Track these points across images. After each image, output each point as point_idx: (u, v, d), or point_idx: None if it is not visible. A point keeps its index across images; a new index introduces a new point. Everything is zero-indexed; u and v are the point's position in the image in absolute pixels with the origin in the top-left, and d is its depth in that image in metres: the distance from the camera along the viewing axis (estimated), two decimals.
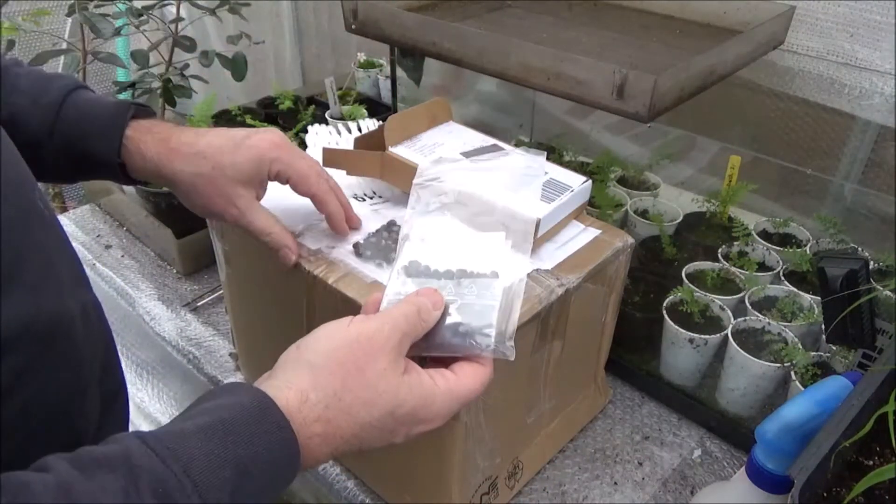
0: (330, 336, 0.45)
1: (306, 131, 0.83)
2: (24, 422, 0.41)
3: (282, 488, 0.41)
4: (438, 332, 0.49)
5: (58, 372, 0.44)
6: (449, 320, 0.49)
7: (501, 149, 0.78)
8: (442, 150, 0.72)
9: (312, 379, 0.43)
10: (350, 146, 0.78)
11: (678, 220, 1.02)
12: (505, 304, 0.51)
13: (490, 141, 0.79)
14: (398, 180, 0.72)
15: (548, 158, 0.78)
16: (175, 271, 1.12)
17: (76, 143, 0.59)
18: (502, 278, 0.53)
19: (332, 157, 0.72)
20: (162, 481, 0.34)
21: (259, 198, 0.63)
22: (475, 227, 0.59)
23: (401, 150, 0.71)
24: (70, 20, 1.41)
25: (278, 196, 0.75)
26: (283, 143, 0.61)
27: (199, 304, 1.05)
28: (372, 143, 0.73)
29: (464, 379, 0.47)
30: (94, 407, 0.50)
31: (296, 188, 0.62)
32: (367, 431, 0.44)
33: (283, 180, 0.62)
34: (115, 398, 0.54)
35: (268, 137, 0.61)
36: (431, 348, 0.49)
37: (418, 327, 0.47)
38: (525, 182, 0.67)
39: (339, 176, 0.76)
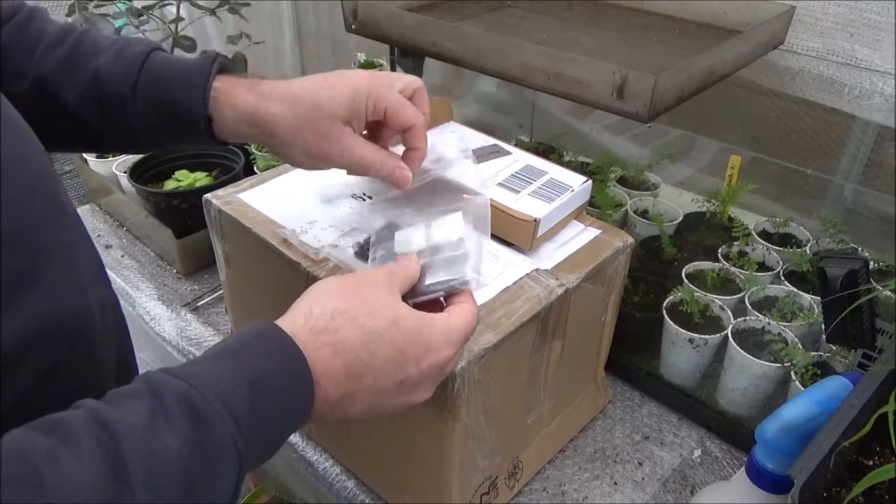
0: (318, 283, 0.48)
1: None
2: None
3: (300, 407, 0.41)
4: (419, 285, 0.51)
5: (79, 369, 0.45)
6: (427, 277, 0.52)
7: (501, 149, 0.78)
8: (442, 148, 0.72)
9: (314, 301, 0.45)
10: None
11: (678, 220, 1.02)
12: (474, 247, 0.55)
13: (490, 141, 0.79)
14: None
15: (548, 158, 0.78)
16: (175, 271, 1.12)
17: (160, 96, 0.57)
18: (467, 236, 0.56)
19: None
20: (183, 394, 0.36)
21: (360, 134, 0.60)
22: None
23: (401, 149, 0.71)
24: (70, 20, 1.40)
25: (278, 195, 0.75)
26: (376, 76, 0.59)
27: (199, 304, 1.05)
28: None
29: (456, 311, 0.49)
30: None
31: (392, 121, 0.59)
32: (375, 342, 0.44)
33: (380, 112, 0.58)
34: None
35: (361, 72, 0.59)
36: (417, 295, 0.51)
37: (400, 272, 0.49)
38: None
39: (340, 175, 0.76)
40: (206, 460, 0.35)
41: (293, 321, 0.43)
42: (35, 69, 0.56)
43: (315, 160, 0.58)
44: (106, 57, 0.57)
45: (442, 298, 0.52)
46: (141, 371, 0.58)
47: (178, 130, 0.58)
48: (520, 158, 0.76)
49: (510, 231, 0.68)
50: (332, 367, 0.42)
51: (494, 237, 0.69)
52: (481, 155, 0.77)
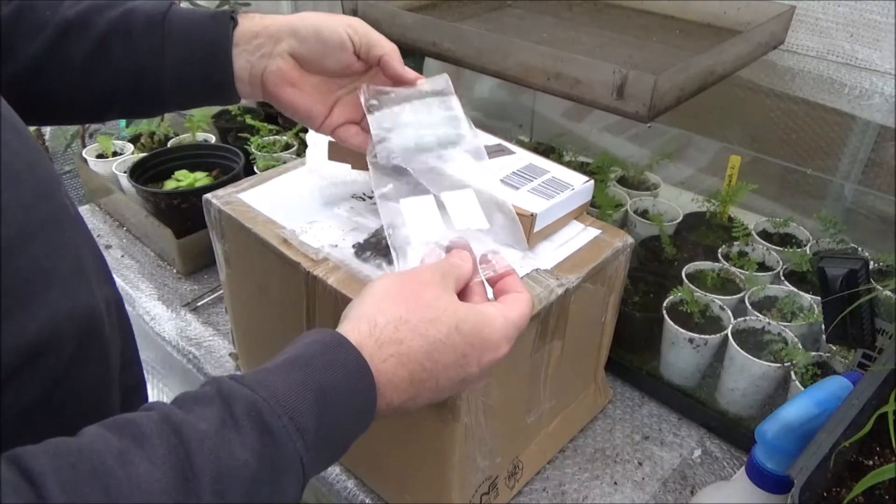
0: (376, 284, 0.48)
1: (306, 131, 0.83)
2: (58, 419, 0.42)
3: (364, 418, 0.42)
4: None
5: (91, 366, 0.45)
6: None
7: (505, 148, 0.78)
8: None
9: (375, 310, 0.45)
10: None
11: (678, 220, 1.02)
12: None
13: (494, 140, 0.79)
14: None
15: (548, 158, 0.78)
16: (175, 271, 1.12)
17: (190, 25, 0.59)
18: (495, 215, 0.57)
19: (337, 151, 0.72)
20: (253, 405, 0.37)
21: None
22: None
23: None
24: None
25: (278, 195, 0.75)
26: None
27: (199, 304, 1.05)
28: None
29: (511, 304, 0.49)
30: (116, 403, 0.50)
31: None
32: (439, 350, 0.44)
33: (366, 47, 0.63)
34: (133, 393, 0.54)
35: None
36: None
37: (455, 269, 0.50)
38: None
39: (340, 175, 0.76)
40: (271, 473, 0.36)
41: (358, 330, 0.43)
42: (61, 15, 0.57)
43: (339, 52, 0.61)
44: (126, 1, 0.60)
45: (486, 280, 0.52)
46: (143, 371, 0.58)
47: (203, 76, 0.60)
48: (523, 157, 0.76)
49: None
50: (396, 378, 0.43)
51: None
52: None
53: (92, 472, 0.31)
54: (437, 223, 0.59)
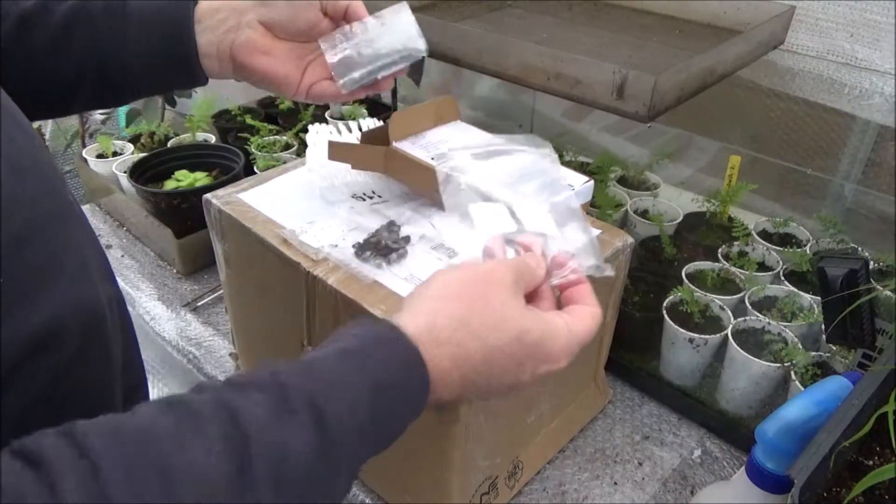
0: (445, 275, 0.46)
1: (306, 131, 0.83)
2: (61, 417, 0.42)
3: (413, 414, 0.41)
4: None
5: (94, 363, 0.45)
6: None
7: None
8: (447, 147, 0.72)
9: (438, 307, 0.43)
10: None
11: (678, 220, 1.02)
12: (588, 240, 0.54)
13: (495, 140, 0.79)
14: (401, 175, 0.72)
15: None
16: (175, 271, 1.12)
17: (148, 8, 0.58)
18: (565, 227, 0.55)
19: (337, 151, 0.72)
20: (311, 397, 0.36)
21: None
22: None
23: (405, 146, 0.71)
24: None
25: (278, 195, 0.75)
26: None
27: (199, 304, 1.05)
28: (378, 140, 0.73)
29: (579, 318, 0.48)
30: (118, 401, 0.50)
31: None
32: (496, 357, 0.43)
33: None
34: (134, 392, 0.54)
35: None
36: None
37: (528, 274, 0.48)
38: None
39: (340, 175, 0.76)
40: (327, 469, 0.36)
41: (416, 324, 0.42)
42: (21, 4, 0.56)
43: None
44: None
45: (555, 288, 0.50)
46: (144, 370, 0.58)
47: (165, 33, 0.59)
48: (523, 157, 0.76)
49: None
50: (449, 377, 0.42)
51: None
52: (485, 154, 0.77)
53: (150, 456, 0.31)
54: (509, 223, 0.58)
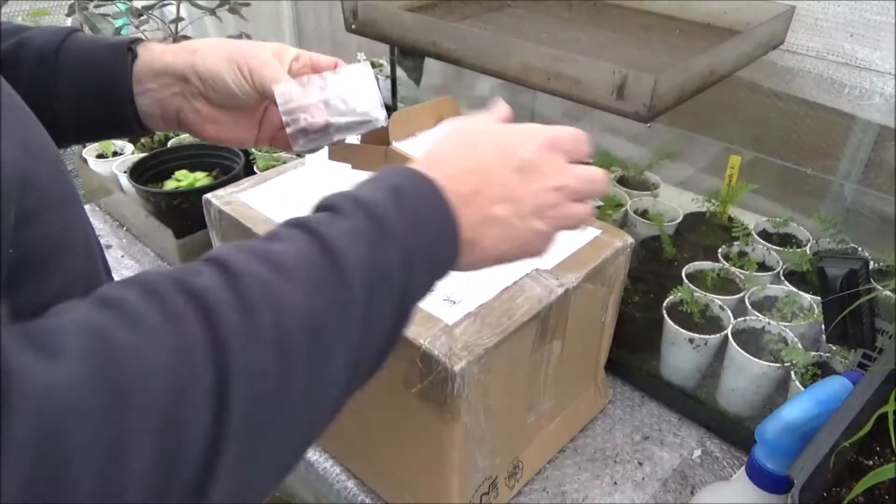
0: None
1: None
2: None
3: (444, 208, 0.43)
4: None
5: None
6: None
7: None
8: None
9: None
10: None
11: (678, 220, 1.02)
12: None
13: None
14: None
15: None
16: None
17: (84, 57, 0.56)
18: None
19: (337, 151, 0.72)
20: (356, 198, 0.40)
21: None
22: None
23: (405, 146, 0.71)
24: (70, 20, 1.41)
25: (278, 195, 0.75)
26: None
27: None
28: (378, 140, 0.73)
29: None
30: None
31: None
32: (474, 145, 0.47)
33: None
34: None
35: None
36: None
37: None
38: None
39: (341, 173, 0.76)
40: (379, 246, 0.39)
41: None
42: None
43: (252, 78, 0.56)
44: (30, 31, 0.57)
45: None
46: None
47: (99, 106, 0.57)
48: None
49: None
50: (445, 171, 0.44)
51: None
52: None
53: (253, 251, 0.35)
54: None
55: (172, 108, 0.57)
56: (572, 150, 0.49)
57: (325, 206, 0.41)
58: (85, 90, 0.56)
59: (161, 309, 0.30)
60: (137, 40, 0.58)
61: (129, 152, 1.29)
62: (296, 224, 0.39)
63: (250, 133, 0.61)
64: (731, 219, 1.00)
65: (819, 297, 0.71)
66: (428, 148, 0.48)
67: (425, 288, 0.43)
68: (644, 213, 1.05)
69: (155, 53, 0.57)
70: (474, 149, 0.47)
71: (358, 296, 0.37)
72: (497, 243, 0.46)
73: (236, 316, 0.31)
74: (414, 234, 0.41)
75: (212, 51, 0.56)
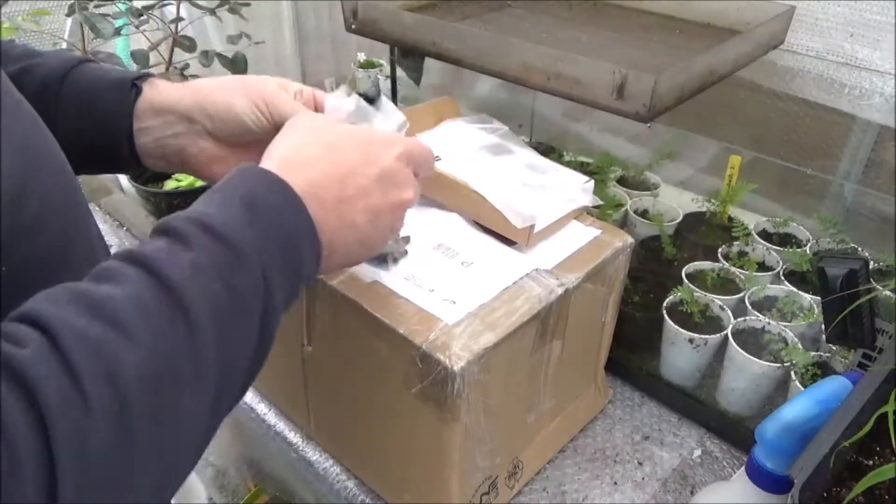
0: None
1: None
2: None
3: (302, 216, 0.42)
4: None
5: None
6: None
7: (506, 147, 0.78)
8: (447, 147, 0.72)
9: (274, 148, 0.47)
10: None
11: (678, 220, 1.02)
12: None
13: (495, 140, 0.79)
14: None
15: (548, 158, 0.78)
16: None
17: (88, 88, 0.55)
18: None
19: None
20: (196, 220, 0.38)
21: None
22: None
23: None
24: (70, 20, 1.40)
25: None
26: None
27: None
28: None
29: None
30: None
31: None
32: (338, 146, 0.46)
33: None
34: None
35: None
36: None
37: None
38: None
39: None
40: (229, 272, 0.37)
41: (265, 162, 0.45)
42: None
43: (251, 114, 0.55)
44: (42, 56, 0.56)
45: None
46: None
47: (96, 122, 0.55)
48: (523, 157, 0.76)
49: (507, 226, 0.68)
50: (309, 176, 0.43)
51: (492, 234, 0.70)
52: (487, 152, 0.77)
53: (82, 300, 0.32)
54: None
55: (174, 147, 0.56)
56: (423, 166, 0.50)
57: (164, 231, 0.38)
58: (83, 122, 0.54)
59: None
60: (145, 76, 0.56)
61: None
62: (130, 258, 0.35)
63: None
64: (731, 219, 1.00)
65: (819, 297, 0.71)
66: (284, 142, 0.46)
67: (288, 300, 0.41)
68: (644, 213, 1.04)
69: (158, 91, 0.55)
70: (338, 152, 0.45)
71: (207, 336, 0.34)
72: (353, 249, 0.46)
73: (62, 390, 0.28)
74: (271, 251, 0.39)
75: (219, 87, 0.55)
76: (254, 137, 0.55)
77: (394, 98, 1.28)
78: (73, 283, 0.33)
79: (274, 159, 0.44)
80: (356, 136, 0.47)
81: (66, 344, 0.29)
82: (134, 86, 0.55)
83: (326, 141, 0.46)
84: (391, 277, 0.63)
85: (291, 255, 0.40)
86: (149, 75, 0.57)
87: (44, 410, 0.27)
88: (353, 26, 0.95)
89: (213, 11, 1.16)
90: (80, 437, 0.28)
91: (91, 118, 0.54)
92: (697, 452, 0.82)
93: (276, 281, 0.39)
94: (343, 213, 0.44)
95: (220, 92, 0.55)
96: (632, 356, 0.90)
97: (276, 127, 0.53)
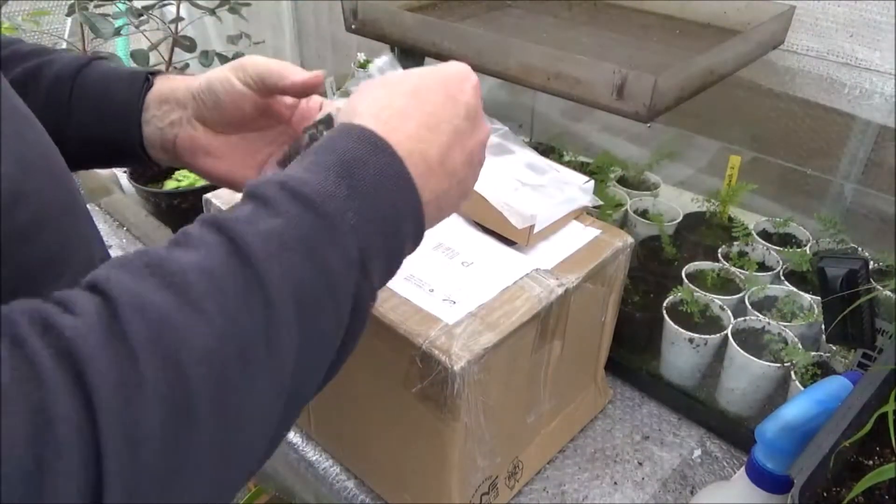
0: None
1: None
2: None
3: (395, 209, 0.37)
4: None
5: None
6: None
7: (506, 147, 0.78)
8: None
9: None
10: None
11: (678, 220, 1.02)
12: None
13: (495, 140, 0.79)
14: None
15: (548, 158, 0.78)
16: None
17: (100, 85, 0.55)
18: None
19: None
20: (282, 185, 0.34)
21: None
22: None
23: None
24: (70, 20, 1.41)
25: None
26: None
27: None
28: None
29: None
30: None
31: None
32: (421, 94, 0.42)
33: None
34: None
35: None
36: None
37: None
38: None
39: None
40: (322, 235, 0.33)
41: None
42: None
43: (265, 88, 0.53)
44: (55, 53, 0.56)
45: None
46: None
47: (107, 114, 0.55)
48: (523, 156, 0.76)
49: (507, 226, 0.68)
50: (409, 131, 0.39)
51: (492, 234, 0.70)
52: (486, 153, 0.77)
53: (149, 266, 0.29)
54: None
55: (170, 136, 0.56)
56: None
57: (253, 195, 0.34)
58: (97, 113, 0.55)
59: (15, 363, 0.23)
60: (159, 71, 0.57)
61: None
62: (212, 223, 0.32)
63: (248, 171, 0.56)
64: (731, 219, 1.00)
65: (819, 297, 0.71)
66: (366, 99, 0.41)
67: (385, 279, 0.38)
68: (644, 213, 1.04)
69: (167, 83, 0.56)
70: (425, 98, 0.41)
71: (288, 317, 0.30)
72: (454, 202, 0.43)
73: (115, 369, 0.25)
74: (370, 223, 0.35)
75: (213, 70, 0.55)
76: (241, 121, 0.55)
77: None
78: (148, 248, 0.31)
79: (366, 116, 0.39)
80: (429, 76, 0.43)
81: (125, 315, 0.26)
82: (147, 79, 0.55)
83: (410, 88, 0.42)
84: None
85: (392, 232, 0.36)
86: (162, 71, 0.57)
87: (91, 391, 0.24)
88: (353, 26, 0.95)
89: (213, 11, 1.17)
90: (132, 424, 0.24)
91: (104, 110, 0.55)
92: (697, 452, 0.82)
93: (374, 260, 0.35)
94: (447, 164, 0.41)
95: (209, 73, 0.55)
96: (632, 356, 0.90)
97: (258, 90, 0.53)
